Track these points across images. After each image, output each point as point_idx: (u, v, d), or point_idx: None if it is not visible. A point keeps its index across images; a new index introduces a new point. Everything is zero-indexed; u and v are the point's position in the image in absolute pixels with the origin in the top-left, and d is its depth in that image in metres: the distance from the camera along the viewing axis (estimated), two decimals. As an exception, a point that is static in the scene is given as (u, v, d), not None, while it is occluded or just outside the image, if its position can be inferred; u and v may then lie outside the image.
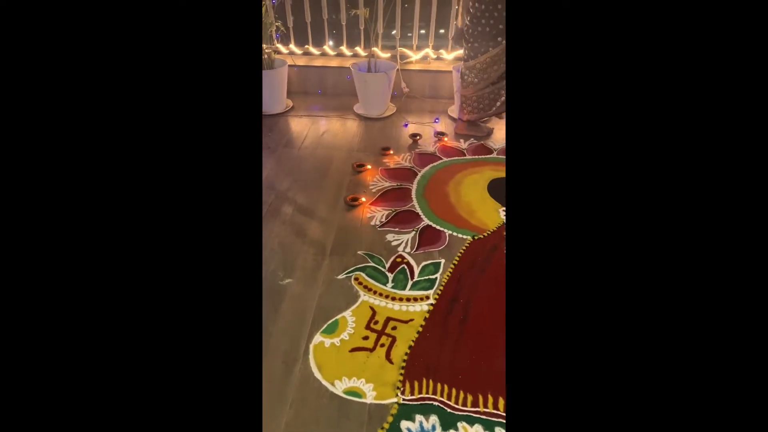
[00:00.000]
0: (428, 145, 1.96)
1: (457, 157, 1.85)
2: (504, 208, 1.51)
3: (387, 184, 1.66)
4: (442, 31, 2.43)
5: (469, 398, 0.91)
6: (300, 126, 2.15)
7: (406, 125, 2.14)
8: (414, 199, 1.57)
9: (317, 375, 0.96)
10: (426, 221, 1.45)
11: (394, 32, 2.40)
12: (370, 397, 0.91)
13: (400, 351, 1.01)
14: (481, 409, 0.89)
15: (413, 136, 1.99)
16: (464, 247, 1.33)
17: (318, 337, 1.04)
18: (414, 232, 1.40)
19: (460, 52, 2.41)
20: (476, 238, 1.37)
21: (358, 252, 1.31)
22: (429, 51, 2.43)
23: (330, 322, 1.08)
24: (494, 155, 1.88)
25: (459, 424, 0.87)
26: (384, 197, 1.58)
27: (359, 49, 2.48)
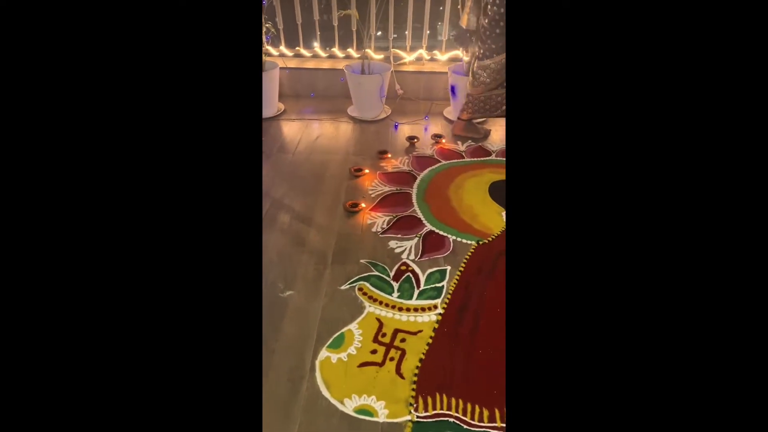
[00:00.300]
0: (426, 147, 1.92)
1: (455, 160, 1.82)
2: (507, 212, 1.49)
3: (386, 188, 1.62)
4: (428, 32, 2.39)
5: (485, 413, 0.87)
6: (293, 130, 2.09)
7: (396, 126, 2.10)
8: (415, 203, 1.53)
9: (325, 393, 0.91)
10: (429, 227, 1.41)
11: (379, 33, 2.37)
12: (382, 415, 0.87)
13: (410, 365, 0.97)
14: (498, 424, 0.86)
15: (410, 138, 1.95)
16: (469, 253, 1.30)
17: (324, 353, 0.99)
18: (417, 239, 1.36)
19: (454, 53, 2.39)
20: (481, 243, 1.34)
21: (361, 260, 1.27)
22: (423, 52, 2.40)
23: (336, 335, 1.04)
24: (493, 157, 1.85)
25: (477, 442, 0.83)
26: (384, 202, 1.54)
27: (352, 51, 2.44)
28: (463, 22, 1.88)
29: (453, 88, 2.07)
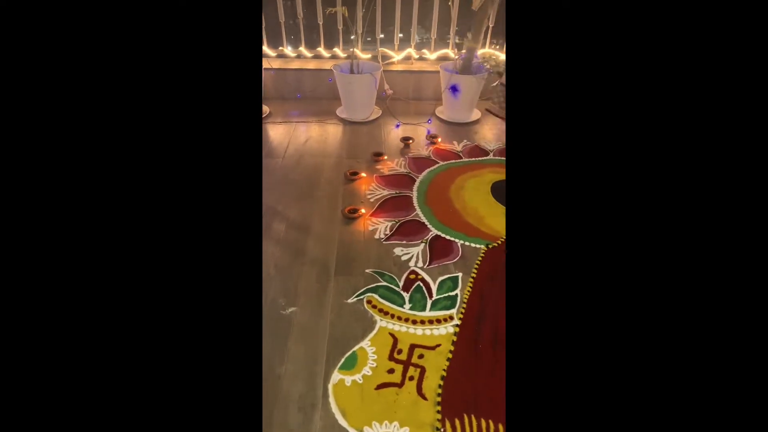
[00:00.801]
0: (421, 148, 1.86)
1: (453, 160, 1.76)
2: (513, 213, 1.43)
3: (385, 192, 1.54)
4: (401, 35, 2.32)
5: (519, 433, 0.80)
6: (280, 134, 1.99)
7: (398, 126, 2.03)
8: (417, 207, 1.46)
9: (342, 422, 0.82)
10: (434, 231, 1.34)
11: (353, 37, 2.29)
12: (407, 443, 0.79)
13: (432, 383, 0.89)
14: (534, 445, 0.79)
15: (405, 139, 1.88)
16: (480, 258, 1.23)
17: (336, 375, 0.90)
18: (423, 244, 1.28)
19: (444, 51, 2.33)
20: (490, 246, 1.28)
21: (366, 270, 1.18)
22: (411, 51, 2.34)
23: (347, 355, 0.95)
24: (491, 156, 1.80)
25: (515, 468, 0.76)
26: (384, 207, 1.46)
27: (338, 50, 2.35)
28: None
29: (454, 87, 2.00)
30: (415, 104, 2.28)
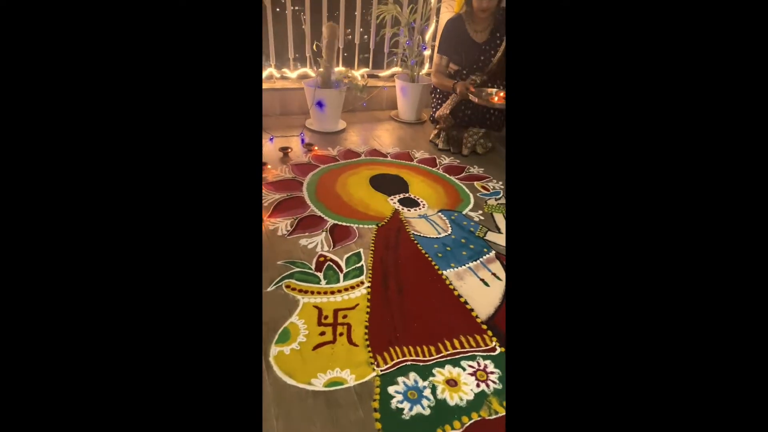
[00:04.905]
0: (300, 156, 2.01)
1: (332, 163, 1.97)
2: (392, 198, 1.70)
3: (276, 196, 1.65)
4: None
5: (432, 348, 1.03)
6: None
7: (272, 140, 2.13)
8: (311, 204, 1.61)
9: (291, 382, 0.92)
10: (331, 221, 1.51)
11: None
12: (351, 380, 0.94)
13: (359, 334, 1.06)
14: (444, 353, 1.03)
15: (283, 149, 2.01)
16: (374, 235, 1.46)
17: (274, 349, 0.99)
18: (324, 233, 1.44)
19: (303, 70, 2.54)
20: (380, 225, 1.51)
21: (278, 263, 1.28)
22: (272, 71, 2.48)
23: (280, 331, 1.04)
24: (363, 157, 2.07)
25: (434, 371, 0.98)
26: (279, 208, 1.57)
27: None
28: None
29: (320, 102, 2.20)
30: (284, 119, 2.42)
